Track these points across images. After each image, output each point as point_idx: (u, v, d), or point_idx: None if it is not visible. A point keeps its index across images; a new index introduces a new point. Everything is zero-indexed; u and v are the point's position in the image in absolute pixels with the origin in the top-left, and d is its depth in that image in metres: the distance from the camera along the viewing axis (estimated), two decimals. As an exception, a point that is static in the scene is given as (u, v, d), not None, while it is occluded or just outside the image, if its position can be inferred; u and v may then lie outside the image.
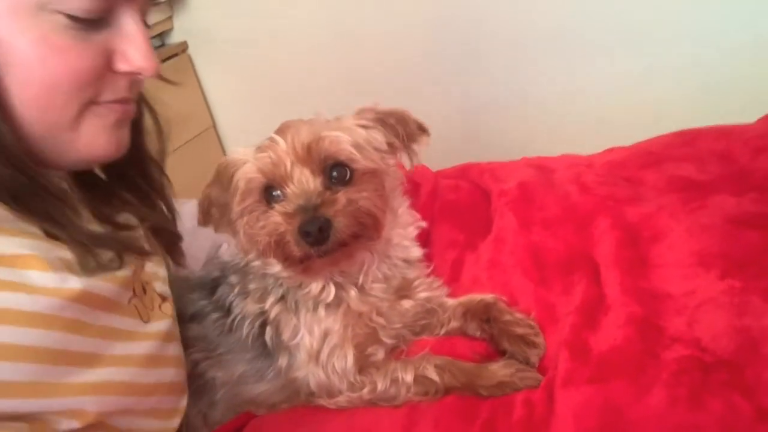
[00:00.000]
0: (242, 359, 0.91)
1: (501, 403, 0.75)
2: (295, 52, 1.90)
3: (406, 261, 0.95)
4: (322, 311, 0.87)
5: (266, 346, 0.89)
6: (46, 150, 0.66)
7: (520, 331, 0.83)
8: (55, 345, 0.60)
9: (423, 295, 0.94)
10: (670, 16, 1.49)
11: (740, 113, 1.10)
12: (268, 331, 0.88)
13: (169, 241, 0.89)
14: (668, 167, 1.05)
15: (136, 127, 0.78)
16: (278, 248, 0.79)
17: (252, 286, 0.91)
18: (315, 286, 0.87)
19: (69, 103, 0.64)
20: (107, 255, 0.69)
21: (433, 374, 0.80)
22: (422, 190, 1.17)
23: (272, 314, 0.88)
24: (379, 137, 0.86)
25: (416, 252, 0.97)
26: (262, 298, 0.90)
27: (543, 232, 1.00)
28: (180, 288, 0.92)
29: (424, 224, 1.00)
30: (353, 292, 0.88)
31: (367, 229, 0.81)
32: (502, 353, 0.85)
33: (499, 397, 0.77)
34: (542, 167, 1.19)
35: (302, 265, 0.81)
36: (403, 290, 0.93)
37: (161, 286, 0.84)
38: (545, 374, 0.78)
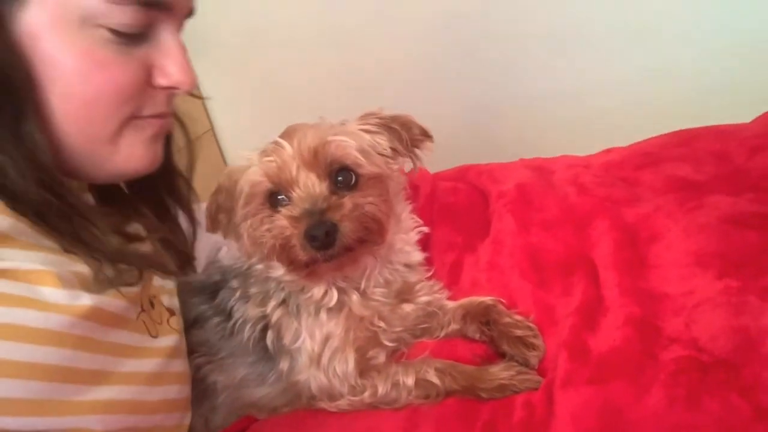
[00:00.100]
0: (243, 363, 0.91)
1: (501, 405, 0.76)
2: (294, 55, 1.90)
3: (407, 265, 0.95)
4: (323, 315, 0.87)
5: (267, 350, 0.89)
6: (82, 163, 0.66)
7: (519, 333, 0.84)
8: (64, 363, 0.59)
9: (424, 299, 0.94)
10: (667, 17, 1.50)
11: (736, 113, 1.10)
12: (270, 335, 0.89)
13: (181, 257, 0.87)
14: (665, 167, 1.05)
15: (167, 141, 0.78)
16: (283, 252, 0.80)
17: (253, 290, 0.91)
18: (317, 291, 0.87)
19: (110, 117, 0.64)
20: (128, 271, 0.69)
21: (434, 377, 0.81)
22: (420, 192, 1.17)
23: (273, 318, 0.89)
24: (383, 142, 0.87)
25: (417, 256, 0.97)
26: (263, 302, 0.90)
27: (541, 234, 1.00)
28: (181, 292, 0.92)
29: (426, 229, 1.00)
30: (355, 297, 0.88)
31: (373, 234, 0.82)
32: (501, 355, 0.85)
33: (500, 399, 0.77)
34: (540, 168, 1.19)
35: (307, 269, 0.81)
36: (404, 294, 0.93)
37: (169, 300, 0.84)
38: (545, 376, 0.79)
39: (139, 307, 0.73)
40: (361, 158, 0.82)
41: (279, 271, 0.87)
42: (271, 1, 1.85)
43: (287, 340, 0.88)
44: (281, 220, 0.79)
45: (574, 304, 0.84)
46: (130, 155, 0.68)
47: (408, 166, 0.93)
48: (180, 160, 0.84)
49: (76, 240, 0.63)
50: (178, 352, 0.80)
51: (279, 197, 0.82)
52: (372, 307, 0.89)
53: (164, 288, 0.84)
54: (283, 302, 0.89)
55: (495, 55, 1.69)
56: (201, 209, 0.91)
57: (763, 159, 0.97)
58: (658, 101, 1.55)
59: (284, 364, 0.88)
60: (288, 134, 0.83)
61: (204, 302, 0.95)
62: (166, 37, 0.66)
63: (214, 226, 0.91)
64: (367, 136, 0.85)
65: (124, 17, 0.60)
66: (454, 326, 0.92)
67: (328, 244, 0.76)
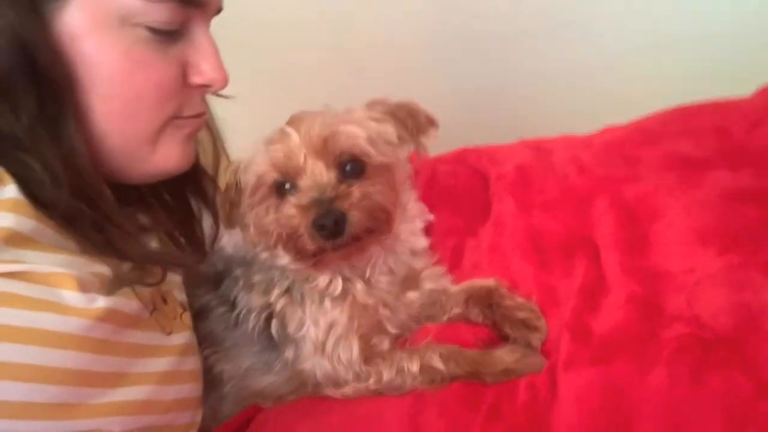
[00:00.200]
0: (249, 352, 0.91)
1: (505, 388, 0.76)
2: (291, 43, 1.88)
3: (412, 251, 0.95)
4: (327, 303, 0.87)
5: (272, 339, 0.89)
6: (118, 164, 0.66)
7: (521, 315, 0.84)
8: (82, 366, 0.59)
9: (429, 286, 0.94)
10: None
11: (736, 88, 1.09)
12: (274, 323, 0.89)
13: (194, 249, 0.87)
14: (665, 144, 1.05)
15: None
16: (290, 241, 0.79)
17: (256, 278, 0.91)
18: (322, 280, 0.87)
19: (153, 118, 0.65)
20: (152, 270, 0.70)
21: (438, 363, 0.81)
22: (420, 177, 1.17)
23: (278, 307, 0.89)
24: (390, 130, 0.86)
25: (422, 242, 0.97)
26: (267, 291, 0.90)
27: (542, 215, 1.00)
28: (185, 283, 0.91)
29: (431, 217, 1.00)
30: (360, 285, 0.88)
31: (380, 223, 0.81)
32: (504, 338, 0.86)
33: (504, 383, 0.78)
34: (540, 149, 1.18)
35: (314, 258, 0.80)
36: (410, 282, 0.93)
37: (180, 294, 0.84)
38: (548, 357, 0.79)
39: (151, 305, 0.72)
40: (370, 148, 0.81)
41: (284, 259, 0.87)
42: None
43: (291, 328, 0.88)
44: (289, 209, 0.79)
45: (576, 285, 0.84)
46: (168, 155, 0.69)
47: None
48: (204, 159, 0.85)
49: (107, 246, 0.64)
50: (191, 349, 0.80)
51: (286, 186, 0.82)
52: (376, 296, 0.89)
53: (175, 282, 0.84)
54: (287, 291, 0.89)
55: (492, 36, 1.67)
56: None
57: (763, 133, 0.97)
58: (657, 77, 1.53)
59: (289, 353, 0.88)
60: (294, 122, 0.82)
61: (208, 292, 0.95)
62: (199, 34, 0.67)
63: (230, 222, 0.90)
64: (375, 125, 0.85)
65: (161, 15, 0.61)
66: (456, 310, 0.92)
67: (337, 233, 0.76)
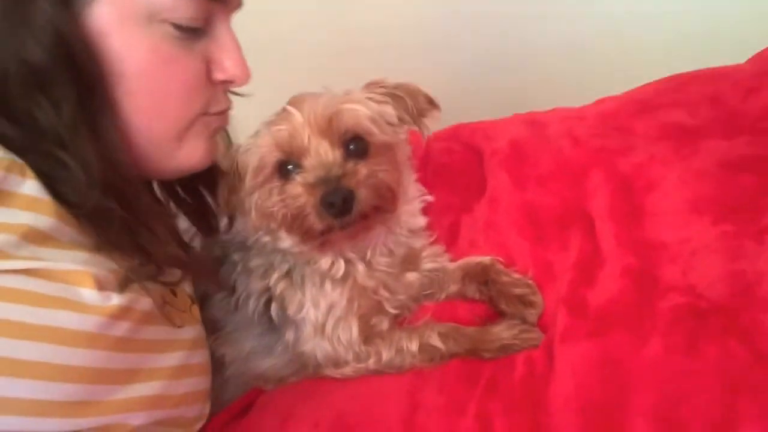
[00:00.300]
0: (250, 336, 0.92)
1: (503, 363, 0.77)
2: (284, 26, 1.86)
3: (410, 230, 0.95)
4: (328, 285, 0.88)
5: (273, 322, 0.90)
6: (143, 161, 0.67)
7: (517, 291, 0.85)
8: (98, 364, 0.59)
9: (428, 266, 0.94)
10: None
11: (730, 54, 1.08)
12: (274, 307, 0.89)
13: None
14: (659, 114, 1.03)
15: None
16: (296, 221, 0.79)
17: (254, 262, 0.91)
18: (324, 262, 0.87)
19: (181, 114, 0.66)
20: (172, 270, 0.70)
21: (437, 342, 0.82)
22: (414, 155, 1.16)
23: (277, 290, 0.89)
24: (390, 111, 0.86)
25: (420, 221, 0.97)
26: (265, 275, 0.90)
27: (537, 189, 0.99)
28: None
29: (430, 198, 0.99)
30: (361, 267, 0.88)
31: (387, 201, 0.82)
32: (501, 314, 0.86)
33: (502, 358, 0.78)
34: (534, 122, 1.17)
35: (321, 238, 0.80)
36: (409, 262, 0.93)
37: (189, 287, 0.84)
38: (545, 332, 0.80)
39: (161, 299, 0.72)
40: (373, 127, 0.81)
41: (287, 242, 0.86)
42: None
43: (291, 311, 0.88)
44: (295, 188, 0.78)
45: (572, 259, 0.85)
46: (192, 152, 0.70)
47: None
48: None
49: (133, 247, 0.64)
50: (200, 342, 0.81)
51: (289, 167, 0.81)
52: (377, 278, 0.89)
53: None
54: (287, 274, 0.89)
55: (485, 9, 1.66)
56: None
57: (758, 100, 0.96)
58: (650, 47, 1.51)
59: (290, 335, 0.89)
60: (296, 102, 0.82)
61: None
62: (221, 31, 0.68)
63: (230, 208, 0.89)
64: (375, 105, 0.85)
65: (187, 11, 0.62)
66: (453, 287, 0.93)
67: (345, 210, 0.76)
